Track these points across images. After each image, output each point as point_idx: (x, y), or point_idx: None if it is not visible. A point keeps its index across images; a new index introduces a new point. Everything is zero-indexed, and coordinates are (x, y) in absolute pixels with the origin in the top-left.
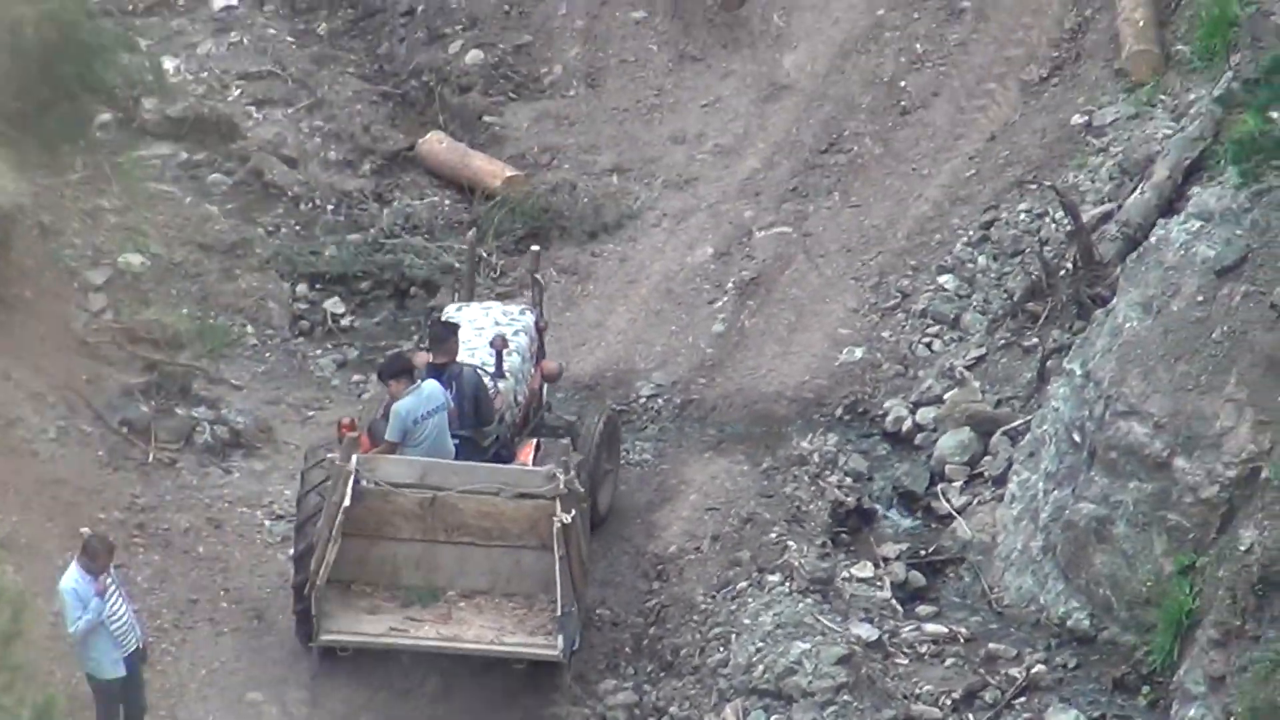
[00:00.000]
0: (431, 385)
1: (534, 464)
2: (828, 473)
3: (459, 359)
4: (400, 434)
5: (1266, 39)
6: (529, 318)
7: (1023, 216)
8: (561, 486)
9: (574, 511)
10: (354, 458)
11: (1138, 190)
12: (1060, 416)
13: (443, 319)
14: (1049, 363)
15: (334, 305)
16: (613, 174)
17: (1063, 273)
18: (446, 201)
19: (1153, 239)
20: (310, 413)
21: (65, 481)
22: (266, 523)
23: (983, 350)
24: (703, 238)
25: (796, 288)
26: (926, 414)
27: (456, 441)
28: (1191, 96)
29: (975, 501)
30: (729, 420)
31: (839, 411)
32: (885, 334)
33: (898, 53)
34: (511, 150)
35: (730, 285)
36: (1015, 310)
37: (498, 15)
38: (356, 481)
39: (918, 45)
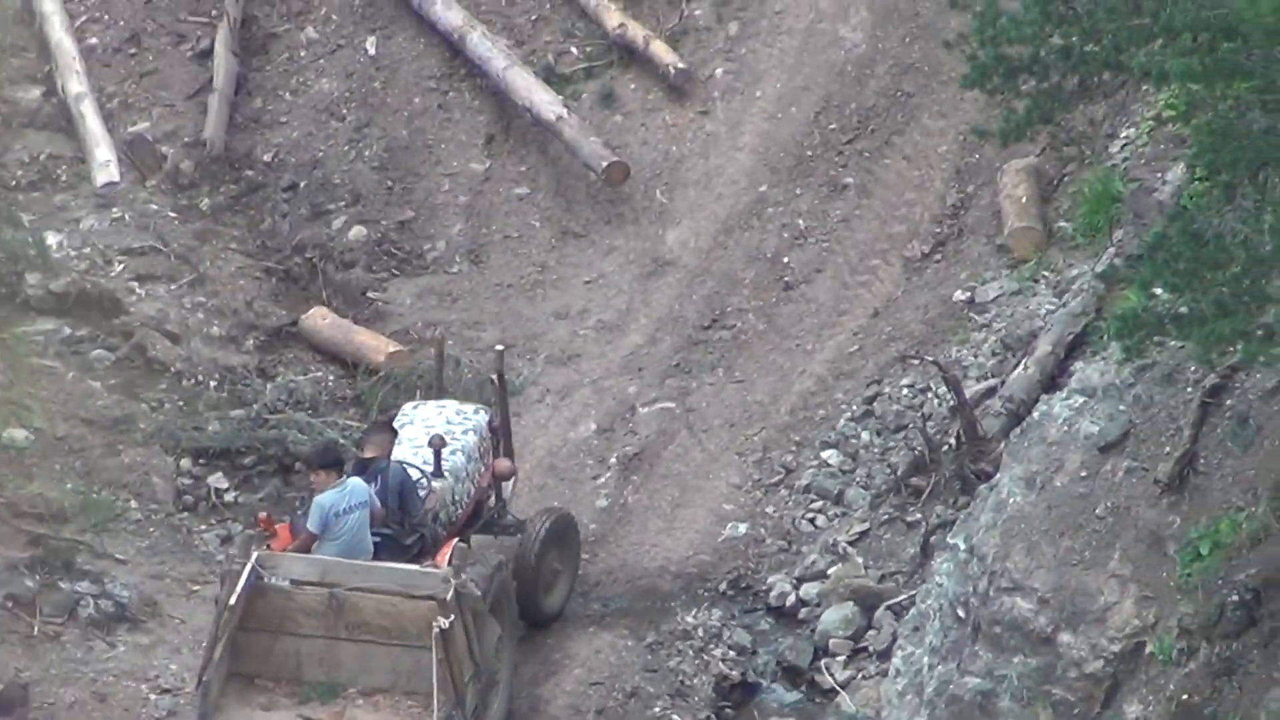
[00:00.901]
0: (355, 482)
1: (447, 564)
2: (712, 647)
3: (398, 458)
4: (320, 526)
5: (1149, 215)
6: (481, 416)
7: (906, 392)
8: (450, 590)
9: (453, 617)
10: (254, 554)
11: (1021, 366)
12: (944, 591)
13: (384, 420)
14: (933, 538)
15: (218, 481)
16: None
17: (946, 448)
18: (330, 377)
19: (1036, 414)
20: (195, 587)
21: None
22: (152, 697)
23: (866, 525)
24: (586, 413)
25: (680, 463)
26: (810, 589)
27: (379, 539)
28: (1074, 272)
29: (860, 676)
30: (613, 595)
31: (723, 586)
32: (769, 509)
33: (781, 229)
34: (395, 326)
35: (613, 461)
36: (899, 486)
37: (380, 191)
38: (256, 577)
39: (800, 221)
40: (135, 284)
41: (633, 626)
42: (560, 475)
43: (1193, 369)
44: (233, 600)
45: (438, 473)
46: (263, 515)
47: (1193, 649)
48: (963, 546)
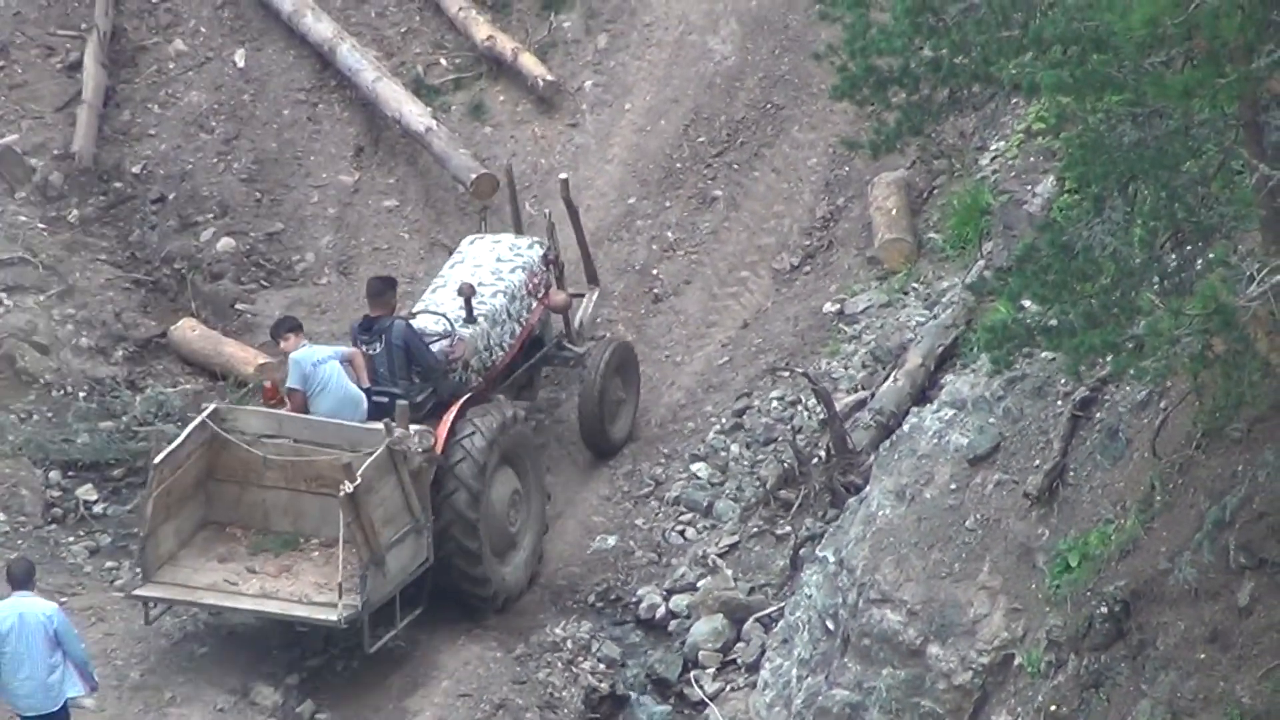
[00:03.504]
0: (319, 346)
1: (451, 422)
2: (581, 659)
3: (437, 304)
4: (300, 381)
5: (1018, 227)
6: (535, 252)
7: (775, 404)
8: (384, 444)
9: (359, 480)
10: (207, 408)
11: (891, 378)
12: (813, 604)
13: (383, 276)
14: (802, 550)
15: (87, 493)
16: None
17: (816, 461)
18: (200, 389)
19: (906, 427)
20: (64, 599)
21: None
22: None
23: (736, 538)
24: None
25: (549, 475)
26: (680, 601)
27: (383, 400)
28: (944, 284)
29: (729, 688)
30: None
31: (592, 598)
32: (638, 521)
33: (650, 240)
34: (264, 337)
35: None
36: (768, 498)
37: (249, 203)
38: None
39: (670, 233)
40: (4, 295)
41: (501, 638)
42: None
43: (1063, 382)
44: (159, 459)
45: (470, 319)
46: (266, 384)
47: (1061, 661)
48: (832, 559)
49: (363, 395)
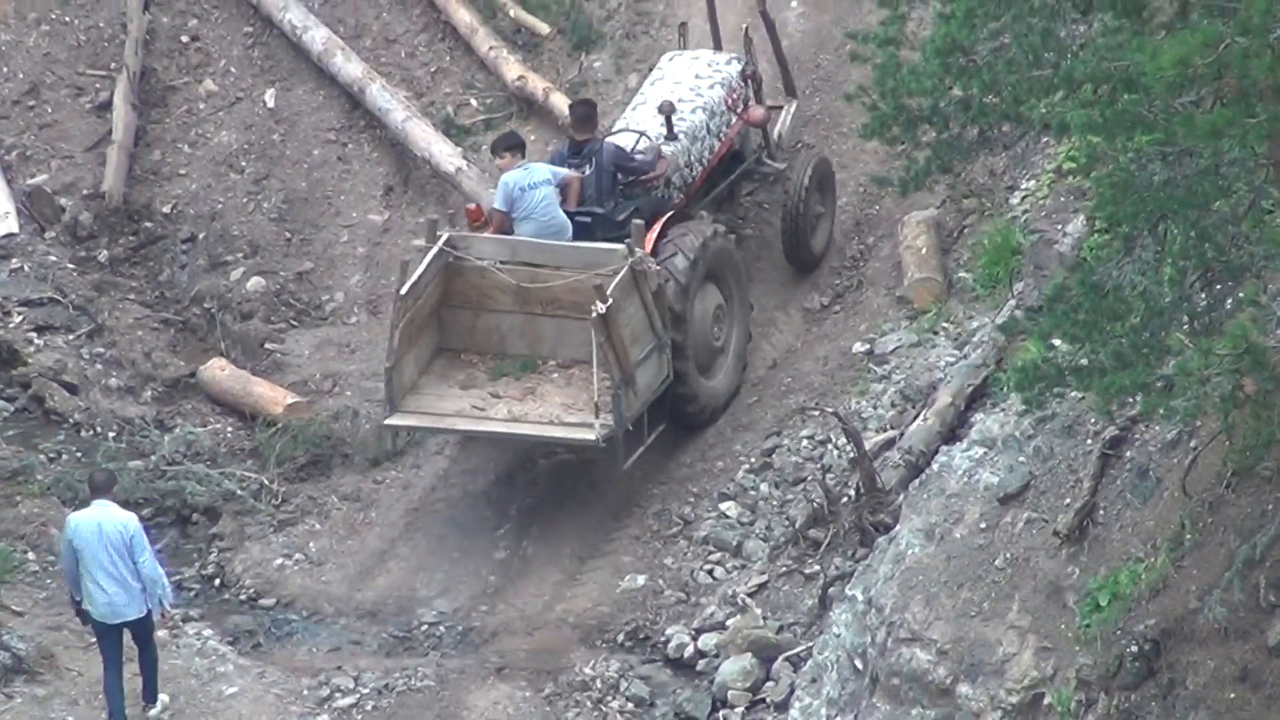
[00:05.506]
0: (537, 165)
1: (656, 240)
2: (610, 698)
3: (637, 122)
4: (505, 202)
5: (1049, 266)
6: (734, 67)
7: (805, 444)
8: (625, 267)
9: (610, 301)
10: (442, 236)
11: (920, 417)
12: (842, 643)
13: (585, 100)
14: (831, 589)
15: None
16: None
17: (845, 500)
18: (228, 428)
19: (935, 466)
20: (92, 639)
21: None
22: None
23: (765, 577)
24: (486, 465)
25: (580, 514)
26: (709, 640)
27: (588, 219)
28: (974, 324)
29: None
30: (511, 647)
31: (621, 638)
32: (667, 561)
33: None
34: (294, 377)
35: (513, 512)
36: (797, 537)
37: (279, 243)
38: (449, 258)
39: None
40: (34, 335)
41: (531, 678)
42: (460, 527)
43: (1093, 421)
44: (405, 289)
45: (670, 136)
46: (471, 206)
47: (1091, 700)
48: (861, 598)
49: (568, 222)
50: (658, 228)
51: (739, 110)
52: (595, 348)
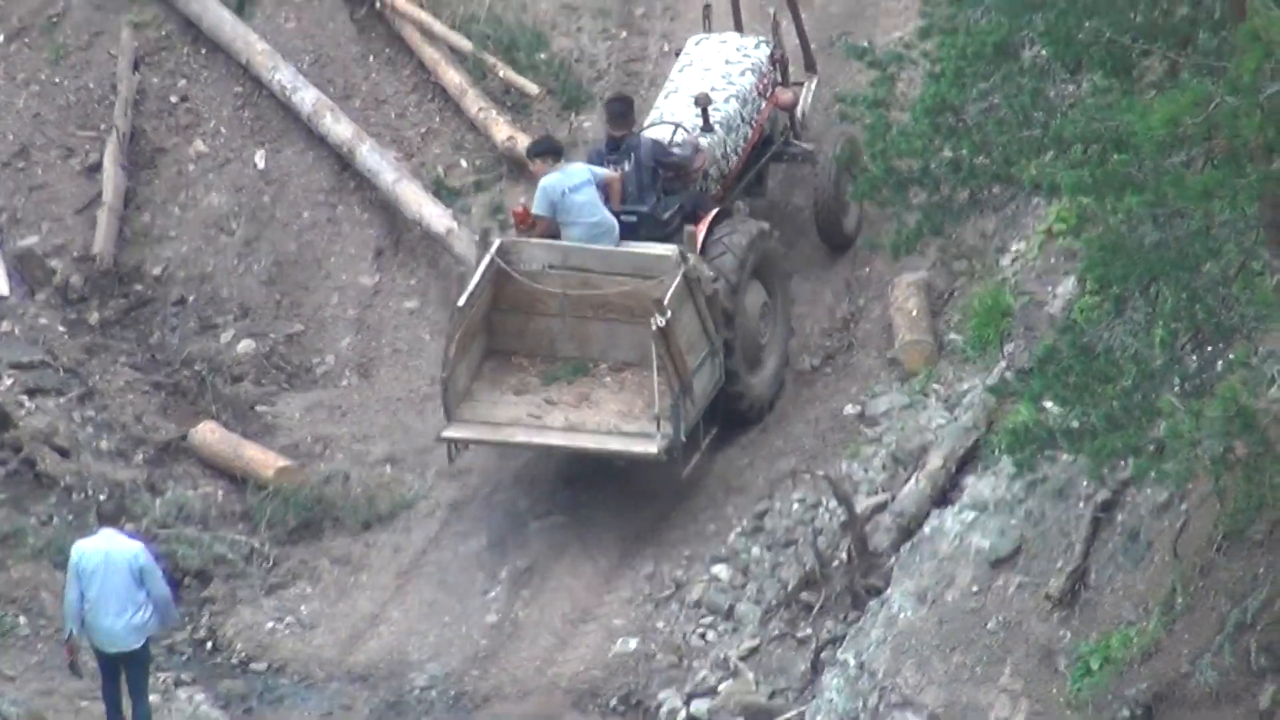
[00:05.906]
0: (576, 165)
1: (703, 236)
2: None
3: (672, 113)
4: (547, 208)
5: (1039, 328)
6: (763, 51)
7: (796, 507)
8: (680, 273)
9: (670, 313)
10: (495, 243)
11: (912, 480)
12: (834, 707)
13: (621, 95)
14: (823, 654)
15: None
16: (386, 464)
17: (836, 563)
18: (219, 492)
19: (927, 529)
20: (84, 703)
21: None
22: None
23: (757, 641)
24: (477, 527)
25: (571, 577)
26: (701, 705)
27: (633, 219)
28: (964, 386)
29: None
30: (503, 711)
31: (614, 702)
32: (659, 624)
33: None
34: (284, 440)
35: (504, 575)
36: (789, 601)
37: (269, 305)
38: (494, 265)
39: None
40: (24, 398)
41: None
42: (450, 590)
43: (1084, 484)
44: (462, 301)
45: (707, 128)
46: (517, 209)
47: None
48: (853, 662)
49: (615, 222)
50: (704, 226)
51: (768, 95)
52: (654, 358)
